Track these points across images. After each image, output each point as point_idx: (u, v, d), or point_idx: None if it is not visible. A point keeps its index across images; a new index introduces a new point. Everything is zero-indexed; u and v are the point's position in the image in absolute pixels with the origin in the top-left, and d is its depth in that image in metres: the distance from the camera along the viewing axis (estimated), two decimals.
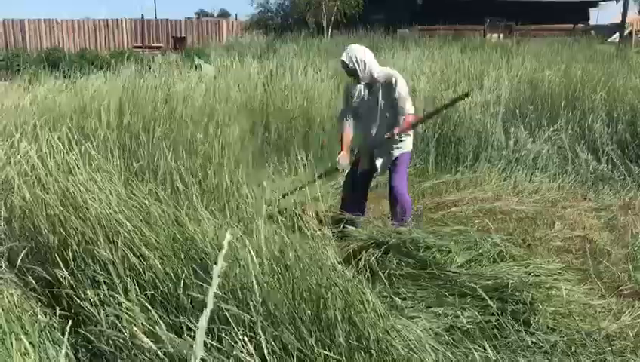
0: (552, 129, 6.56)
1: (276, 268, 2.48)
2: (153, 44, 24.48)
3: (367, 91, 4.44)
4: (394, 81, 4.29)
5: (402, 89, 4.30)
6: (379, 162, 4.52)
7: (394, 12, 23.03)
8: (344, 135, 4.56)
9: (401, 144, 4.48)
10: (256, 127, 6.69)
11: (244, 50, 15.62)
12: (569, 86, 7.72)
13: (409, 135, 4.50)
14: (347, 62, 4.32)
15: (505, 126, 6.84)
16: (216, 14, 40.06)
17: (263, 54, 14.39)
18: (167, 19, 26.42)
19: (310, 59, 11.80)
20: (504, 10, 22.99)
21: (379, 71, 4.38)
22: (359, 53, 4.33)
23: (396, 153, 4.49)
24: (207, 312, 0.95)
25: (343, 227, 3.97)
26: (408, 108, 4.35)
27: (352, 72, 4.38)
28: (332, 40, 19.25)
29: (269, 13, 28.79)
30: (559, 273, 3.47)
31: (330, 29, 23.03)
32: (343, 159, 4.51)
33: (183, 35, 25.62)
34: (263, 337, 2.13)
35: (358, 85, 4.44)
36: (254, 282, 2.30)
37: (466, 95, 4.82)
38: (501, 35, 22.24)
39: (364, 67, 4.31)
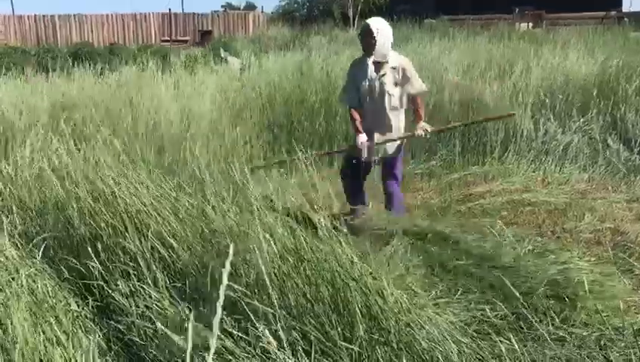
0: (582, 119, 6.45)
1: (292, 262, 2.49)
2: (180, 38, 24.69)
3: (375, 72, 4.28)
4: (406, 65, 4.27)
5: (413, 71, 4.30)
6: (381, 149, 4.40)
7: (420, 2, 22.80)
8: (355, 115, 4.38)
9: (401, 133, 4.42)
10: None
11: (270, 43, 15.65)
12: (602, 75, 7.56)
13: (402, 127, 4.42)
14: (372, 30, 4.16)
15: (534, 116, 6.74)
16: (242, 7, 40.14)
17: (290, 46, 14.40)
18: (193, 13, 26.60)
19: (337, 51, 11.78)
20: None
21: (391, 53, 4.28)
22: (384, 26, 4.22)
23: (393, 147, 4.39)
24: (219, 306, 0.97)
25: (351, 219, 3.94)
26: (422, 85, 4.35)
27: (368, 44, 4.22)
28: (357, 31, 19.15)
29: (295, 5, 28.76)
30: (591, 268, 3.42)
31: (356, 21, 22.93)
32: (362, 137, 4.34)
33: (209, 29, 25.75)
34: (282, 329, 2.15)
35: (368, 62, 4.27)
36: (269, 275, 2.32)
37: (511, 115, 4.80)
38: (530, 24, 21.84)
39: (384, 42, 4.19)
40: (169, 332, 1.71)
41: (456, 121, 6.75)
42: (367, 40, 4.22)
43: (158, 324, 2.20)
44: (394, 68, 4.25)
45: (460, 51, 10.63)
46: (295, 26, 24.39)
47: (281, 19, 26.97)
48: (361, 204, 4.37)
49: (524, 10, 23.24)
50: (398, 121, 4.37)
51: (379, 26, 4.19)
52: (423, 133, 4.36)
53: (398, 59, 4.31)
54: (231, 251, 1.05)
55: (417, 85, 4.33)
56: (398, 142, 4.40)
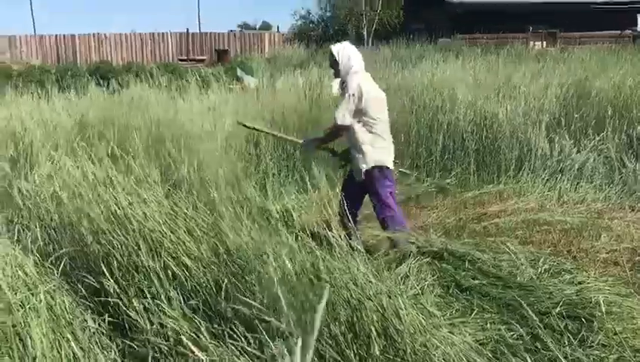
0: (597, 138, 6.41)
1: (309, 280, 2.49)
2: (197, 57, 24.99)
3: (339, 89, 4.39)
4: (348, 81, 4.21)
5: (345, 98, 4.18)
6: (352, 166, 4.41)
7: (434, 21, 22.92)
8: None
9: (364, 156, 4.24)
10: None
11: (285, 62, 15.78)
12: (618, 94, 7.54)
13: (374, 147, 4.24)
14: (333, 51, 4.32)
15: (549, 135, 6.72)
16: (258, 27, 40.62)
17: (304, 66, 14.51)
18: (210, 33, 26.94)
19: None
20: (547, 17, 22.61)
21: (357, 71, 4.25)
22: (347, 49, 4.32)
23: (362, 166, 4.25)
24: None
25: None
26: (336, 115, 4.23)
27: (333, 62, 4.33)
28: (372, 50, 19.27)
29: (311, 25, 29.03)
30: (608, 288, 3.39)
31: (370, 40, 23.08)
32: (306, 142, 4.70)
33: (226, 48, 26.05)
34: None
35: (335, 82, 4.45)
36: (284, 293, 2.33)
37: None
38: (544, 43, 21.85)
39: (347, 60, 4.24)
40: (191, 345, 1.72)
41: (471, 140, 6.77)
42: (330, 63, 4.41)
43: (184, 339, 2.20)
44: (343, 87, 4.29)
45: (474, 70, 10.64)
46: (310, 45, 24.59)
47: (297, 39, 27.22)
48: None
49: (537, 30, 23.26)
50: (350, 138, 4.32)
51: (340, 47, 4.33)
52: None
53: (350, 80, 4.24)
54: (325, 296, 1.07)
55: (336, 113, 4.27)
56: (360, 163, 4.27)
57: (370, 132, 4.23)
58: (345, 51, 4.28)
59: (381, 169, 4.25)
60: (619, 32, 23.29)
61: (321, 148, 4.75)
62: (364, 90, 4.16)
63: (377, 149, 4.25)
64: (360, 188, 4.36)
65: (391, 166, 4.34)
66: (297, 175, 6.31)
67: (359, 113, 4.20)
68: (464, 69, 10.81)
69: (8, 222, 3.22)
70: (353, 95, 4.14)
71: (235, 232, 2.96)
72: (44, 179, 3.96)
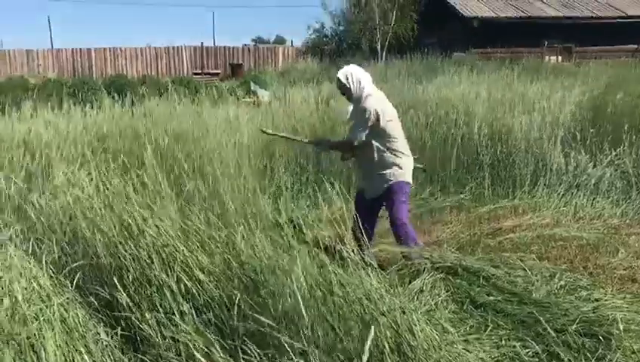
0: (614, 153, 6.35)
1: (320, 296, 2.48)
2: (211, 71, 25.19)
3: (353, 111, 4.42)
4: (362, 104, 4.25)
5: (359, 114, 4.26)
6: (365, 185, 4.47)
7: (449, 35, 22.93)
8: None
9: (387, 173, 4.30)
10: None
11: (299, 76, 15.86)
12: (634, 109, 7.48)
13: (395, 164, 4.30)
14: (341, 79, 4.31)
15: (565, 150, 6.67)
16: (272, 41, 40.91)
17: (317, 80, 14.57)
18: (225, 47, 27.17)
19: None
20: (563, 31, 22.53)
21: (370, 93, 4.29)
22: (356, 72, 4.32)
23: (384, 184, 4.31)
24: None
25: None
26: (352, 135, 4.33)
27: (344, 89, 4.35)
28: (385, 64, 19.30)
29: (324, 39, 29.16)
30: (626, 306, 3.33)
31: (384, 54, 23.14)
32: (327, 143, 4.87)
33: (240, 62, 26.24)
34: None
35: (350, 106, 4.46)
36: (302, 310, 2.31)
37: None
38: (560, 58, 21.78)
39: (358, 85, 4.27)
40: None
41: (486, 155, 6.75)
42: (341, 89, 4.42)
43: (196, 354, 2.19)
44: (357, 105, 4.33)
45: (488, 84, 10.62)
46: (324, 59, 24.69)
47: (310, 53, 27.35)
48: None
49: (553, 44, 23.18)
50: (370, 157, 4.34)
51: (347, 72, 4.33)
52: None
53: (362, 98, 4.30)
54: (371, 335, 1.06)
55: (353, 132, 4.35)
56: (381, 181, 4.33)
57: (391, 149, 4.30)
58: (354, 75, 4.30)
59: (401, 184, 4.31)
60: (635, 46, 23.13)
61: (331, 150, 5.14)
62: (380, 110, 4.22)
63: (398, 166, 4.31)
64: (373, 204, 4.43)
65: (410, 181, 4.40)
66: (310, 189, 6.31)
67: (379, 133, 4.27)
68: (478, 84, 10.79)
69: (23, 235, 3.24)
70: (369, 117, 4.20)
71: (249, 247, 2.96)
72: (58, 193, 3.99)
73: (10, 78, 17.96)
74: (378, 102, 4.27)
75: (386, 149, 4.29)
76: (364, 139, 4.27)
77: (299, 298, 2.28)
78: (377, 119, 4.21)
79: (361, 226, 3.76)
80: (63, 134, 6.05)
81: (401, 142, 4.36)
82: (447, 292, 3.42)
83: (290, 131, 7.13)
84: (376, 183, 4.35)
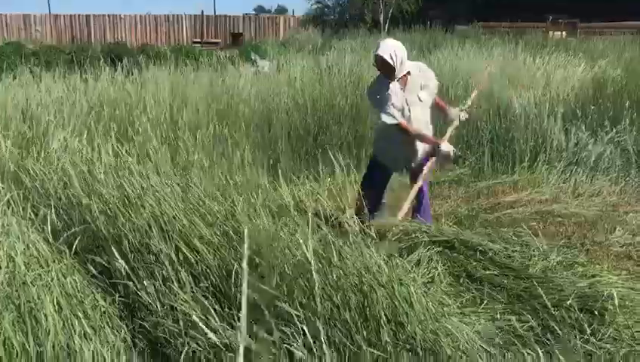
0: (614, 130, 6.33)
1: (320, 266, 2.49)
2: (211, 40, 24.94)
3: (400, 87, 4.20)
4: (428, 71, 4.30)
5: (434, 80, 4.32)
6: (396, 165, 4.48)
7: (453, 8, 22.68)
8: (410, 127, 4.22)
9: (422, 147, 4.35)
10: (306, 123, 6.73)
11: (300, 46, 15.72)
12: (635, 87, 7.43)
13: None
14: (385, 58, 4.08)
15: (565, 126, 6.64)
16: (273, 10, 40.45)
17: (318, 50, 14.45)
18: (225, 15, 26.86)
19: (367, 56, 11.77)
20: (568, 6, 22.28)
21: (410, 65, 4.25)
22: (399, 51, 4.12)
23: (423, 157, 4.38)
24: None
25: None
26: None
27: (387, 68, 4.14)
28: (389, 36, 19.12)
29: (326, 10, 28.82)
30: (621, 282, 3.36)
31: (387, 26, 22.91)
32: (445, 145, 4.19)
33: (240, 31, 25.97)
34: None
35: (390, 83, 4.19)
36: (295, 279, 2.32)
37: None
38: (564, 33, 21.56)
39: (401, 62, 4.13)
40: (205, 328, 1.72)
41: (485, 130, 6.72)
42: (383, 67, 4.18)
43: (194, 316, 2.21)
44: (419, 75, 4.28)
45: (491, 58, 10.54)
46: (326, 29, 24.44)
47: (312, 23, 27.06)
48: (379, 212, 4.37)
49: (558, 19, 22.94)
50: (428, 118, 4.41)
51: (390, 49, 4.11)
52: (463, 116, 4.50)
53: (422, 66, 4.37)
54: None
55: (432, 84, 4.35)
56: (420, 151, 4.36)
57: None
58: (399, 54, 4.11)
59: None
60: None
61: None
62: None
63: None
64: (387, 177, 4.49)
65: None
66: (311, 160, 6.30)
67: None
68: (481, 58, 10.71)
69: (20, 202, 3.23)
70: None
71: (248, 217, 2.97)
72: (55, 159, 3.97)
73: (8, 43, 17.75)
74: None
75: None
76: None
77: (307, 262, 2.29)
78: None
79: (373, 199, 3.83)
80: (61, 101, 6.00)
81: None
82: (444, 265, 3.43)
83: (291, 100, 7.10)
84: (420, 157, 4.38)
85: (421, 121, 4.26)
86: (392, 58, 4.08)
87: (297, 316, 2.23)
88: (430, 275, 3.33)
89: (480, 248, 3.57)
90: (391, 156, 4.39)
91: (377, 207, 4.39)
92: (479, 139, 6.69)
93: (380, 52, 4.09)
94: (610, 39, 15.05)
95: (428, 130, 4.34)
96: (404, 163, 4.45)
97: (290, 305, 2.28)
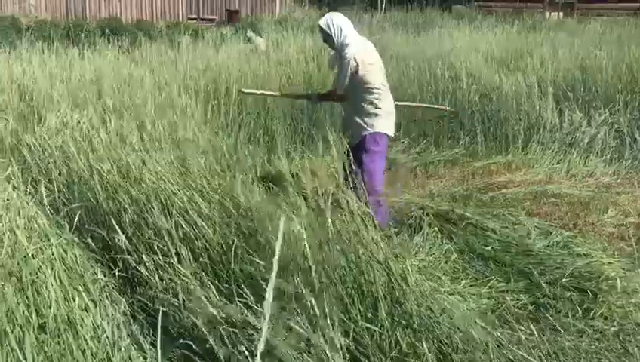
0: (607, 113, 6.32)
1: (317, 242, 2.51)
2: (207, 16, 24.67)
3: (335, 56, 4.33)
4: (343, 52, 4.16)
5: (340, 62, 4.20)
6: (347, 133, 4.30)
7: None
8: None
9: (364, 122, 4.20)
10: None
11: (296, 24, 15.62)
12: (628, 68, 7.43)
13: (374, 114, 4.20)
14: (323, 26, 4.24)
15: (559, 107, 6.65)
16: None
17: (314, 29, 14.34)
18: None
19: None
20: None
21: (350, 41, 4.19)
22: (337, 20, 4.24)
23: (361, 132, 4.21)
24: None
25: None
26: (337, 83, 4.30)
27: (325, 38, 4.30)
28: (385, 16, 19.02)
29: None
30: (613, 262, 3.42)
31: (384, 5, 22.73)
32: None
33: (236, 8, 25.70)
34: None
35: (333, 53, 4.38)
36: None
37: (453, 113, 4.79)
38: (561, 14, 21.47)
39: (340, 33, 4.19)
40: (205, 301, 1.75)
41: (475, 111, 6.71)
42: (323, 37, 4.35)
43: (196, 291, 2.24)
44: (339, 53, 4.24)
45: (485, 39, 10.50)
46: (322, 8, 24.21)
47: (308, 1, 26.80)
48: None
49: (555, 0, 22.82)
50: (353, 104, 4.31)
51: (328, 20, 4.26)
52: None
53: (345, 45, 4.19)
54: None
55: (337, 80, 4.30)
56: (357, 129, 4.24)
57: (371, 98, 4.20)
58: (335, 22, 4.21)
59: (376, 136, 4.22)
60: (638, 5, 22.77)
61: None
62: (360, 58, 4.13)
63: (376, 115, 4.21)
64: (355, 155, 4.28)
65: (390, 133, 4.31)
66: (305, 137, 6.32)
67: (359, 81, 4.17)
68: (476, 38, 10.68)
69: (19, 176, 3.24)
70: (349, 64, 4.12)
71: (245, 194, 3.00)
72: (53, 132, 3.97)
73: (1, 17, 17.53)
74: (358, 50, 4.17)
75: (365, 98, 4.19)
76: (345, 86, 4.23)
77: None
78: (357, 66, 4.13)
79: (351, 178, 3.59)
80: (57, 76, 5.97)
81: (383, 92, 4.25)
82: (436, 240, 3.49)
83: (285, 80, 7.09)
84: (354, 131, 4.25)
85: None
86: (327, 27, 4.23)
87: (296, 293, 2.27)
88: (437, 254, 3.39)
89: (481, 225, 3.62)
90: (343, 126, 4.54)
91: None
92: (471, 120, 6.69)
93: (319, 21, 4.33)
94: (607, 20, 15.00)
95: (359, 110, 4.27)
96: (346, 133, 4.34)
97: (287, 282, 2.31)
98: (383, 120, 4.23)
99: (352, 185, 3.36)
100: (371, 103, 4.20)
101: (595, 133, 6.08)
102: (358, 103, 4.23)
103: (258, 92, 5.41)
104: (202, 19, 23.30)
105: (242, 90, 5.26)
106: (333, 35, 4.21)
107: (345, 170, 3.88)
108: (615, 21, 14.63)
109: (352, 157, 4.13)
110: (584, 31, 12.77)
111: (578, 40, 10.58)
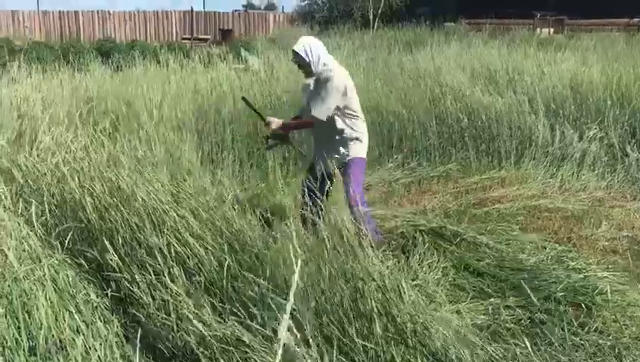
0: (595, 128, 6.34)
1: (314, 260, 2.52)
2: (201, 36, 24.83)
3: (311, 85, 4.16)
4: (326, 79, 4.02)
5: (323, 90, 4.01)
6: (317, 166, 4.21)
7: (441, 5, 22.73)
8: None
9: (347, 148, 4.15)
10: None
11: (289, 44, 15.69)
12: (617, 85, 7.48)
13: (356, 139, 4.16)
14: (300, 53, 4.01)
15: (550, 122, 6.69)
16: (263, 7, 40.33)
17: None
18: (215, 12, 26.75)
19: (354, 53, 11.81)
20: (555, 3, 22.38)
21: (333, 67, 4.09)
22: (314, 46, 4.06)
23: (345, 159, 4.14)
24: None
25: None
26: (318, 111, 4.02)
27: (303, 64, 4.08)
28: (377, 33, 19.17)
29: (316, 6, 28.77)
30: (607, 276, 3.42)
31: (376, 23, 22.93)
32: (275, 123, 4.19)
33: (230, 28, 25.89)
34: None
35: (309, 79, 4.16)
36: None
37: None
38: (551, 30, 21.67)
39: (318, 60, 4.03)
40: (195, 322, 1.74)
41: (466, 135, 6.66)
42: (298, 63, 4.13)
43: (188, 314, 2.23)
44: (321, 79, 4.09)
45: (475, 57, 10.55)
46: (315, 27, 24.41)
47: (302, 20, 27.03)
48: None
49: (545, 16, 23.06)
50: (331, 132, 4.18)
51: (305, 45, 4.05)
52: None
53: (327, 70, 4.08)
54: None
55: (314, 108, 4.06)
56: (340, 155, 4.17)
57: (353, 125, 4.17)
58: (314, 49, 4.04)
59: (362, 160, 4.22)
60: (627, 20, 22.99)
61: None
62: (343, 85, 4.05)
63: (359, 141, 4.20)
64: (323, 181, 4.13)
65: (366, 158, 4.28)
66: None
67: (344, 107, 4.10)
68: (465, 56, 10.74)
69: (11, 197, 3.23)
70: (335, 93, 4.01)
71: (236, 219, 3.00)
72: (47, 153, 3.97)
73: None
74: (341, 76, 4.10)
75: (348, 124, 4.14)
76: (330, 115, 4.07)
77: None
78: (344, 94, 4.05)
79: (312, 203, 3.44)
80: (51, 97, 5.98)
81: (360, 117, 4.21)
82: (434, 257, 3.49)
83: (277, 99, 7.12)
84: (335, 158, 4.14)
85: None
86: (306, 54, 4.03)
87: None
88: (436, 273, 3.39)
89: (474, 241, 3.63)
90: (314, 155, 4.38)
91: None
92: (461, 137, 6.70)
93: (295, 47, 4.08)
94: (597, 36, 15.14)
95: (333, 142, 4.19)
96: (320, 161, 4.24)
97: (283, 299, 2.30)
98: (363, 144, 4.23)
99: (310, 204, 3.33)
100: (352, 129, 4.17)
101: (586, 147, 6.12)
102: (337, 130, 4.14)
103: (255, 106, 5.04)
104: (196, 39, 23.44)
105: (243, 97, 4.91)
106: (311, 62, 4.03)
107: (305, 187, 3.86)
108: (605, 37, 14.78)
109: (320, 179, 4.04)
110: (574, 46, 12.88)
111: (568, 55, 10.66)
